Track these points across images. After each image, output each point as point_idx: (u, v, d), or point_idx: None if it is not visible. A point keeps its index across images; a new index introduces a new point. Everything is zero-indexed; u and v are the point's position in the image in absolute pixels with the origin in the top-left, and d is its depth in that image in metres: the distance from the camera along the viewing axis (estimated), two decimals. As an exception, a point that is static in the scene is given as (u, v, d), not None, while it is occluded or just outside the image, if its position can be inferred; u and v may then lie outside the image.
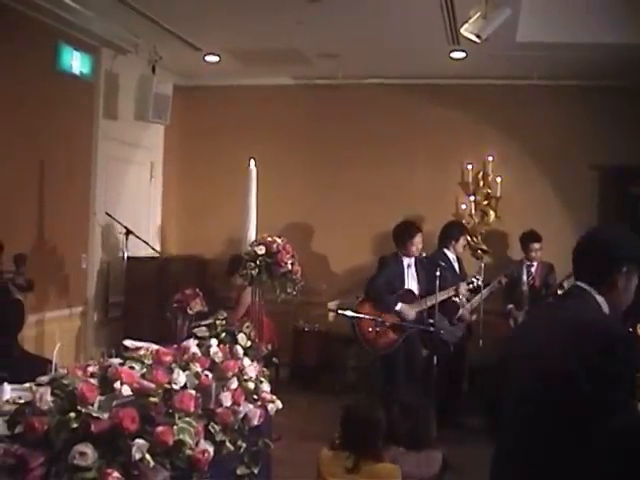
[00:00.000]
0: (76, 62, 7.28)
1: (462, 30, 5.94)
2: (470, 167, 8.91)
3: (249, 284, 5.24)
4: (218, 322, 4.71)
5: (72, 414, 2.53)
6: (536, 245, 7.90)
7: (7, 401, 3.53)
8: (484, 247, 7.83)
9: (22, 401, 3.58)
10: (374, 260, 9.00)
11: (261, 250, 5.12)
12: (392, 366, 6.78)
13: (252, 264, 5.11)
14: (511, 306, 7.87)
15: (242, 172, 9.06)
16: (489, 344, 7.38)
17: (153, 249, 8.11)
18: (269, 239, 5.21)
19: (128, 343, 4.66)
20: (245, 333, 4.63)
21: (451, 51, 7.83)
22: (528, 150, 8.77)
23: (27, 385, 3.90)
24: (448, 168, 9.00)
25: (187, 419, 2.77)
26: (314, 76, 8.99)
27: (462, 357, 7.52)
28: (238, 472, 3.29)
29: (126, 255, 7.81)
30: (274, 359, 4.69)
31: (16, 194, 6.55)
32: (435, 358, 6.58)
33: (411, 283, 7.01)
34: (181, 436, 2.69)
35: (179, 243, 9.53)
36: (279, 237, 5.24)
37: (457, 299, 7.14)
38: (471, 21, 5.86)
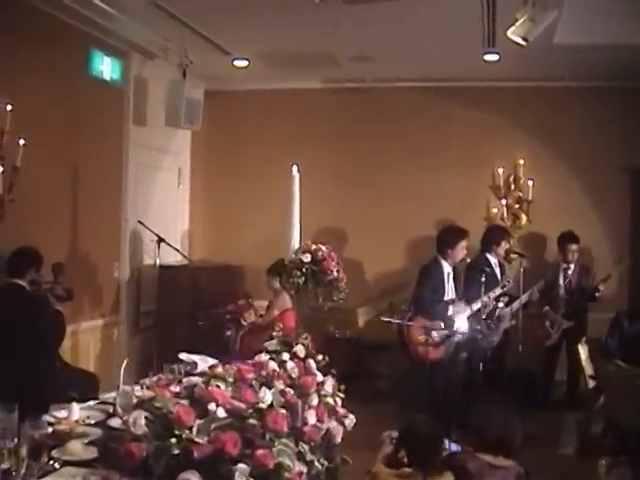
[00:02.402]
0: (106, 67, 7.19)
1: (509, 33, 5.81)
2: (501, 170, 8.81)
3: (295, 292, 5.10)
4: (274, 334, 4.63)
5: (173, 440, 2.41)
6: (574, 246, 7.81)
7: (77, 421, 3.41)
8: (521, 252, 7.68)
9: (92, 421, 3.49)
10: (406, 265, 8.95)
11: (307, 258, 4.99)
12: (440, 374, 6.61)
13: (298, 272, 4.97)
14: (547, 308, 7.79)
15: (270, 177, 9.09)
16: (528, 349, 7.31)
17: (185, 257, 7.99)
18: (313, 246, 5.08)
19: (184, 357, 4.58)
20: (303, 344, 4.54)
21: (485, 53, 7.72)
22: (560, 153, 8.67)
23: (91, 403, 3.80)
24: (479, 171, 8.90)
25: (283, 440, 2.66)
26: (343, 79, 8.90)
27: (500, 362, 7.38)
28: (318, 491, 3.17)
29: (158, 263, 7.66)
30: (332, 371, 4.57)
31: (50, 201, 6.44)
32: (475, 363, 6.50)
33: (450, 292, 6.86)
34: (280, 458, 2.58)
35: (206, 250, 9.41)
36: (322, 244, 5.12)
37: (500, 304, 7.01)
38: (518, 24, 5.73)
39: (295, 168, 5.29)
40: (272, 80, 8.97)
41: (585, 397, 7.26)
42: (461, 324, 6.65)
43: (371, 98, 9.03)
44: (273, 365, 3.24)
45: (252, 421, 2.58)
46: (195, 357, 4.60)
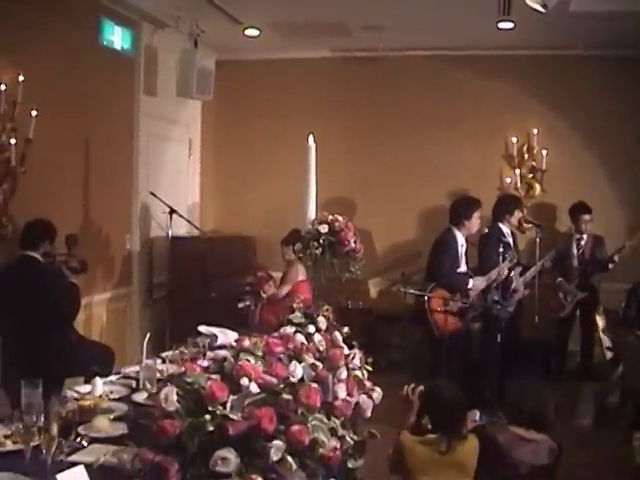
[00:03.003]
0: (117, 37, 7.07)
1: (527, 0, 5.71)
2: (515, 140, 8.70)
3: (312, 264, 5.03)
4: (295, 305, 4.58)
5: (207, 416, 2.37)
6: (586, 217, 7.74)
7: (100, 396, 3.37)
8: (536, 221, 7.61)
9: (115, 396, 3.45)
10: (417, 236, 8.90)
11: (324, 229, 4.91)
12: (459, 345, 6.57)
13: (315, 243, 4.90)
14: (560, 279, 7.73)
15: (280, 147, 9.01)
16: (543, 319, 7.27)
17: (197, 228, 7.92)
18: (330, 217, 5.01)
19: (203, 329, 4.54)
20: (325, 316, 4.49)
21: (499, 21, 7.59)
22: (574, 122, 8.54)
23: (113, 378, 3.76)
24: (492, 141, 8.78)
25: (317, 415, 2.62)
26: (353, 48, 8.78)
27: (515, 333, 7.33)
28: (350, 465, 3.12)
29: (170, 235, 7.60)
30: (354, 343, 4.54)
31: (61, 172, 6.36)
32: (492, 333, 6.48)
33: (464, 263, 6.81)
34: (315, 434, 2.53)
35: (216, 221, 9.36)
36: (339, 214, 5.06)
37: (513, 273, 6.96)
38: (537, -10, 5.62)
39: (311, 138, 5.19)
40: (282, 50, 8.86)
41: (600, 368, 7.27)
42: (479, 295, 6.63)
43: (382, 67, 8.89)
44: (301, 338, 3.19)
45: (287, 396, 2.54)
46: (215, 329, 4.56)
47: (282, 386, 2.68)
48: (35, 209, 5.61)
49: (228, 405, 2.42)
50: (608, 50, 8.28)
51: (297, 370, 2.83)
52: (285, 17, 7.64)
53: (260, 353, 2.91)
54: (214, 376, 2.61)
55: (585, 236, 7.81)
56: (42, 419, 2.71)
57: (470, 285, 6.62)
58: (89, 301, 6.72)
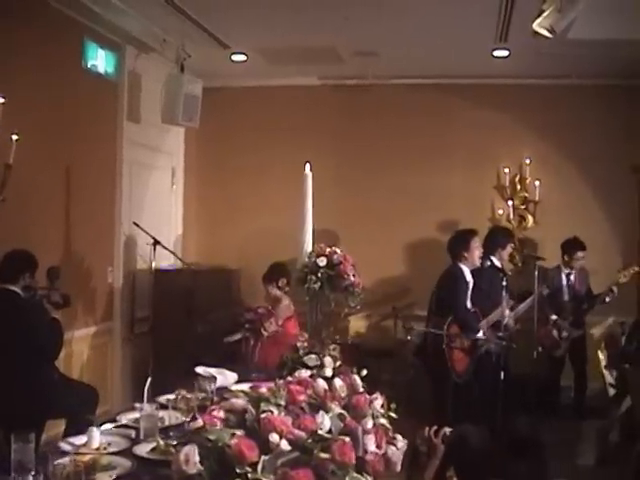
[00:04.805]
0: (101, 60, 6.81)
1: (534, 25, 5.52)
2: (507, 170, 8.53)
3: (310, 299, 4.77)
4: (299, 344, 4.30)
5: (238, 480, 2.05)
6: (580, 254, 7.55)
7: (97, 449, 3.03)
8: (536, 255, 7.39)
9: (114, 449, 3.10)
10: (407, 269, 8.67)
11: (322, 262, 4.67)
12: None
13: (314, 277, 4.65)
14: (556, 317, 7.49)
15: (266, 177, 8.75)
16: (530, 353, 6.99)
17: (182, 261, 7.60)
18: (328, 249, 4.77)
19: (200, 370, 4.22)
20: (332, 356, 4.22)
21: (494, 49, 7.44)
22: (567, 152, 8.42)
23: (110, 426, 3.42)
24: (484, 171, 8.62)
25: (355, 475, 2.31)
26: (343, 76, 8.57)
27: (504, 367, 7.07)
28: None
29: (153, 267, 7.27)
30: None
31: (41, 201, 6.05)
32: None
33: (469, 299, 6.56)
34: (354, 498, 2.23)
35: (199, 253, 9.02)
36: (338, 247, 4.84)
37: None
38: (545, 15, 5.43)
39: (308, 167, 4.94)
40: (269, 77, 8.62)
41: (600, 404, 7.05)
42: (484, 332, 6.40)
43: (372, 96, 8.69)
44: (323, 384, 2.88)
45: (324, 455, 2.23)
46: (212, 370, 4.25)
47: (310, 441, 2.36)
48: (14, 239, 5.29)
49: (259, 467, 2.11)
50: (601, 79, 8.21)
51: (325, 421, 2.52)
52: (274, 42, 7.40)
53: (283, 402, 2.59)
54: (238, 431, 2.29)
55: (574, 270, 7.62)
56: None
57: (482, 321, 6.39)
58: (69, 337, 6.34)
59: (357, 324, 8.75)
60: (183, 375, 5.40)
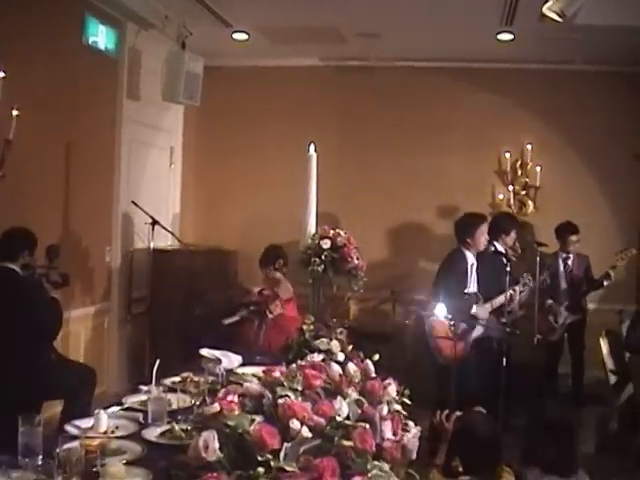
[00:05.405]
0: (101, 37, 6.69)
1: (544, 8, 5.48)
2: (508, 155, 8.46)
3: (313, 282, 4.68)
4: (305, 327, 4.23)
5: (260, 469, 1.99)
6: (574, 237, 7.50)
7: (105, 432, 2.96)
8: (540, 241, 7.32)
9: (122, 433, 3.04)
10: (405, 252, 8.61)
11: (326, 244, 4.56)
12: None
13: (317, 260, 4.55)
14: (550, 302, 7.46)
15: (265, 157, 8.66)
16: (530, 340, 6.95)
17: (180, 241, 7.53)
18: (332, 232, 4.67)
19: (205, 352, 4.15)
20: (340, 340, 4.15)
21: (499, 32, 7.35)
22: (569, 138, 8.36)
23: (116, 409, 3.36)
24: (485, 156, 8.55)
25: (376, 463, 2.25)
26: (345, 57, 8.47)
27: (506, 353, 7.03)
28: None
29: (152, 247, 7.18)
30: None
31: (41, 177, 5.95)
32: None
33: (473, 284, 6.47)
34: (378, 486, 2.17)
35: (197, 233, 8.93)
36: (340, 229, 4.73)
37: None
38: (555, -1, 5.38)
39: (312, 147, 4.83)
40: (271, 56, 8.51)
41: (600, 392, 7.02)
42: (482, 318, 6.32)
43: (374, 77, 8.61)
44: (337, 369, 2.81)
45: (348, 442, 2.16)
46: (217, 352, 4.18)
47: (329, 428, 2.30)
48: (13, 217, 5.21)
49: (282, 454, 2.04)
50: (605, 65, 8.14)
51: (343, 408, 2.46)
52: (277, 21, 7.28)
53: (299, 387, 2.52)
54: (257, 417, 2.23)
55: (572, 256, 7.57)
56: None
57: (473, 311, 6.30)
58: (66, 317, 6.23)
59: (354, 307, 8.68)
60: (181, 356, 5.37)
